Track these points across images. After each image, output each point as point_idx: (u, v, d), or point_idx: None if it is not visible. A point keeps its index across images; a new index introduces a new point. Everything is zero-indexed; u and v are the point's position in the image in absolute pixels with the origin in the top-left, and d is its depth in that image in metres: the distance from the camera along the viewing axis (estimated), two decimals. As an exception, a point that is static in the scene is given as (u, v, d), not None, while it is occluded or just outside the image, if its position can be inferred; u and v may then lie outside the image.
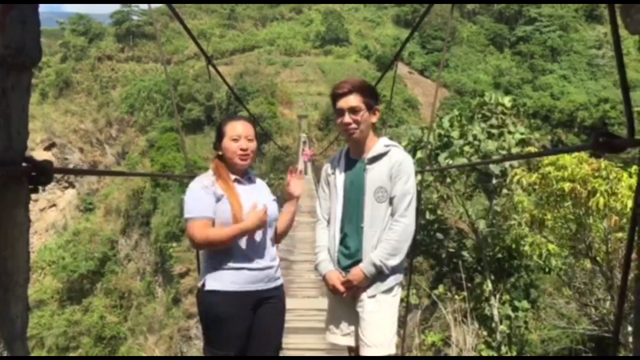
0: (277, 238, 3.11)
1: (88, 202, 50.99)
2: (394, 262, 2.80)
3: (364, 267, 2.80)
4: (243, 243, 2.81)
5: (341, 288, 2.88)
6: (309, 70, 60.34)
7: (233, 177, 2.91)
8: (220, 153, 2.94)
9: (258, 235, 2.85)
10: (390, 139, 3.14)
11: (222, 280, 2.77)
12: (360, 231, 2.87)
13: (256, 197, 2.93)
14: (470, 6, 70.77)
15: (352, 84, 2.86)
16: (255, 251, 2.83)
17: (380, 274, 2.81)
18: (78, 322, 37.98)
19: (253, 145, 2.93)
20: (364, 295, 2.84)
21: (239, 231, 2.73)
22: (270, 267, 2.89)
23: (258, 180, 3.11)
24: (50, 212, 51.52)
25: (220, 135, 2.93)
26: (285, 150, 39.68)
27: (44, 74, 61.47)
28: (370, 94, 2.88)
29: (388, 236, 2.80)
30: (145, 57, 65.43)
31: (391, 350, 2.85)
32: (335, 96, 2.91)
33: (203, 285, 2.82)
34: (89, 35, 67.15)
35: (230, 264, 2.79)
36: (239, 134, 2.88)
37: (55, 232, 49.89)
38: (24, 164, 1.11)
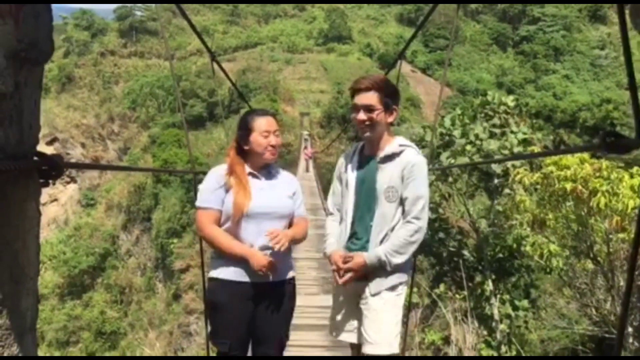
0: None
1: (89, 197, 51.04)
2: (398, 260, 2.78)
3: (367, 256, 2.79)
4: (245, 236, 2.86)
5: (341, 266, 2.84)
6: (311, 68, 60.32)
7: (248, 170, 2.95)
8: (245, 147, 2.96)
9: (263, 229, 2.86)
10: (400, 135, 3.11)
11: (223, 269, 2.86)
12: (369, 229, 2.86)
13: (269, 191, 2.95)
14: (473, 5, 70.66)
15: (373, 81, 2.82)
16: (258, 246, 2.86)
17: (382, 270, 2.80)
18: (78, 317, 38.02)
19: (280, 140, 2.99)
20: (367, 293, 2.83)
21: (240, 254, 2.79)
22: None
23: (281, 174, 3.11)
24: (52, 207, 51.57)
25: (247, 130, 2.95)
26: (287, 147, 39.67)
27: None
28: (390, 93, 2.84)
29: (399, 234, 2.78)
30: (148, 53, 65.49)
31: (394, 350, 2.83)
32: (354, 91, 2.88)
33: (209, 273, 2.94)
34: (92, 30, 67.24)
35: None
36: (268, 130, 2.92)
37: (56, 226, 49.97)
38: (35, 158, 1.12)
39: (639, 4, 0.96)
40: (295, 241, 3.00)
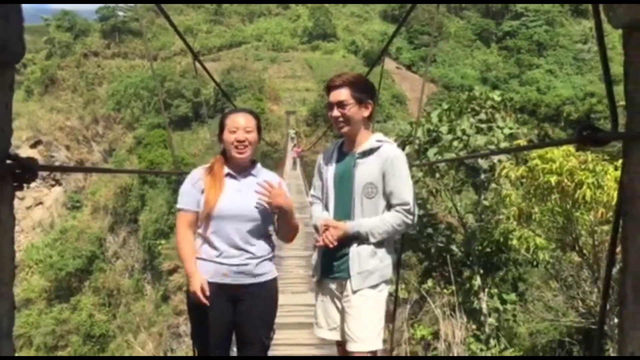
0: (284, 238, 3.17)
1: (75, 200, 50.60)
2: (375, 240, 2.82)
3: (349, 225, 2.83)
4: (215, 237, 2.85)
5: (328, 227, 2.86)
6: (296, 66, 60.26)
7: (227, 171, 2.93)
8: (221, 145, 2.98)
9: (233, 233, 2.85)
10: (386, 133, 3.14)
11: (202, 271, 2.85)
12: None
13: (247, 193, 2.91)
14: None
15: (344, 79, 2.87)
16: (228, 247, 2.85)
17: (363, 265, 2.82)
18: (66, 321, 37.73)
19: (252, 136, 2.93)
20: (349, 291, 2.85)
21: (186, 270, 2.84)
22: (245, 264, 2.87)
23: (265, 175, 3.05)
24: (37, 210, 51.06)
25: (221, 128, 2.96)
26: (273, 146, 39.61)
27: (29, 71, 60.86)
28: (362, 88, 2.87)
29: (388, 219, 2.81)
30: (132, 54, 64.99)
31: (377, 346, 2.85)
32: (328, 89, 2.94)
33: None
34: (74, 31, 66.59)
35: (204, 255, 2.87)
36: (237, 126, 2.90)
37: (42, 230, 49.47)
38: (8, 162, 1.10)
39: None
40: (286, 217, 3.00)
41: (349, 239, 2.85)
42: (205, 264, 2.84)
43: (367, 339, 2.81)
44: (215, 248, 2.85)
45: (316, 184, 3.15)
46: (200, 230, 2.90)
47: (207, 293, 2.76)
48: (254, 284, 2.90)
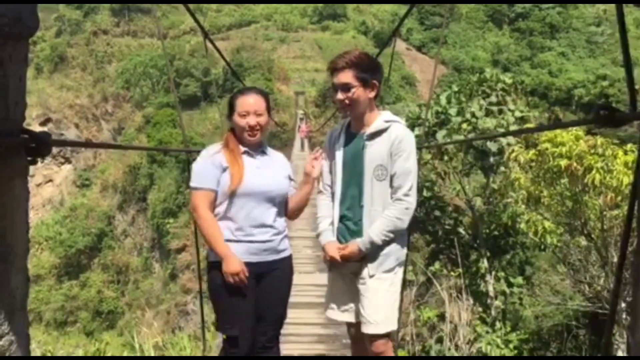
0: (291, 215, 3.11)
1: (84, 178, 50.81)
2: (390, 238, 2.79)
3: (361, 243, 2.78)
4: (243, 217, 2.82)
5: (338, 259, 2.85)
6: (306, 46, 59.83)
7: (243, 149, 2.90)
8: (232, 126, 2.95)
9: (258, 210, 2.84)
10: (396, 114, 3.07)
11: None
12: (361, 210, 2.84)
13: (266, 170, 2.92)
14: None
15: (347, 60, 2.78)
16: (256, 225, 2.83)
17: (379, 253, 2.80)
18: (76, 297, 38.13)
19: (263, 119, 2.90)
20: (365, 274, 2.82)
21: (218, 252, 2.75)
22: (270, 241, 2.87)
23: (275, 154, 3.09)
24: (47, 188, 51.37)
25: (231, 109, 2.92)
26: (282, 127, 39.51)
27: (39, 49, 60.76)
28: (367, 68, 2.79)
29: (390, 213, 2.76)
30: (141, 32, 64.72)
31: (392, 327, 2.86)
32: (331, 71, 2.86)
33: (208, 257, 2.88)
34: (84, 9, 66.35)
35: (231, 236, 2.81)
36: (247, 110, 2.86)
37: (52, 207, 49.80)
38: (22, 135, 1.10)
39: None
40: (297, 209, 3.07)
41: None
42: (235, 245, 2.80)
43: (383, 321, 2.81)
44: (240, 226, 2.81)
45: (325, 167, 3.06)
46: (220, 209, 2.84)
47: (247, 273, 2.73)
48: (276, 260, 2.91)
